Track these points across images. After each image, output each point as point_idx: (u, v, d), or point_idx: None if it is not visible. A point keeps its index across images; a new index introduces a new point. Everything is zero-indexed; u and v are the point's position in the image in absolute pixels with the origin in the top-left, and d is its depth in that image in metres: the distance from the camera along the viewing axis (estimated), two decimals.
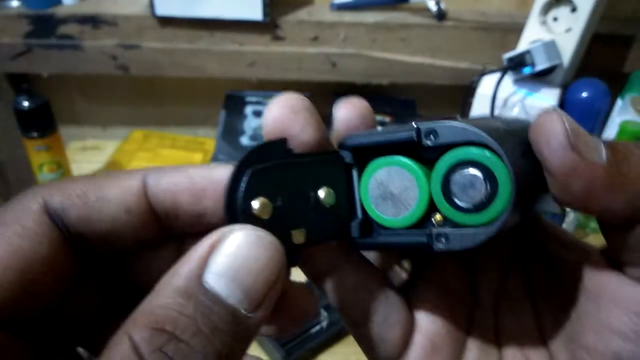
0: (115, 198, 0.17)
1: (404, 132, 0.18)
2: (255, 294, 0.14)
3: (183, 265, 0.15)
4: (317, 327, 0.61)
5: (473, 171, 0.18)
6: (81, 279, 0.18)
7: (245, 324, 0.14)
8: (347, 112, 0.21)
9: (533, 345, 0.22)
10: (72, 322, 0.18)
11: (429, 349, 0.21)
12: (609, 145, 0.17)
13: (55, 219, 0.16)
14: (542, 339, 0.22)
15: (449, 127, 0.18)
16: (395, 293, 0.22)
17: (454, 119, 0.20)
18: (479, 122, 0.18)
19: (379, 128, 0.21)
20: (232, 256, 0.14)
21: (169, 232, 0.19)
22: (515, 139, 0.18)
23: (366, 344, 0.22)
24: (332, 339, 0.62)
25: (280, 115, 0.19)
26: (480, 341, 0.22)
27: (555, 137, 0.17)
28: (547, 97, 0.73)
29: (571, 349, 0.20)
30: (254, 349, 0.62)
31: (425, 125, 0.18)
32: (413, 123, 0.19)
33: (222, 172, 0.18)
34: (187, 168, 0.19)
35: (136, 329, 0.13)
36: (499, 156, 0.17)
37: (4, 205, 0.17)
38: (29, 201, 0.17)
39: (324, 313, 0.62)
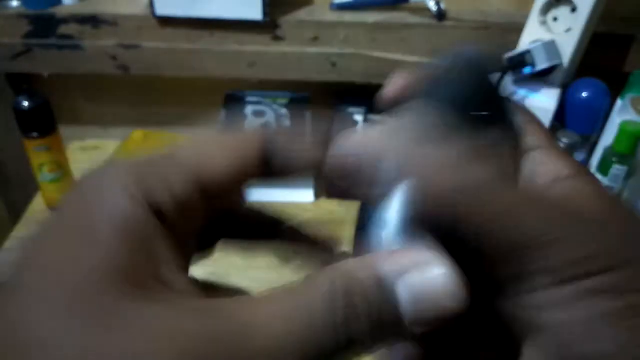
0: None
1: None
2: (424, 322, 0.16)
3: (387, 261, 0.17)
4: None
5: None
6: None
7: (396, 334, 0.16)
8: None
9: None
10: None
11: None
12: None
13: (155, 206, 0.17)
14: None
15: None
16: None
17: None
18: None
19: None
20: (426, 282, 0.16)
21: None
22: None
23: None
24: None
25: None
26: None
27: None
28: (547, 97, 0.73)
29: None
30: None
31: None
32: None
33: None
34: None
35: (337, 281, 0.16)
36: None
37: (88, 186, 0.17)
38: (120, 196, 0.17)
39: None
